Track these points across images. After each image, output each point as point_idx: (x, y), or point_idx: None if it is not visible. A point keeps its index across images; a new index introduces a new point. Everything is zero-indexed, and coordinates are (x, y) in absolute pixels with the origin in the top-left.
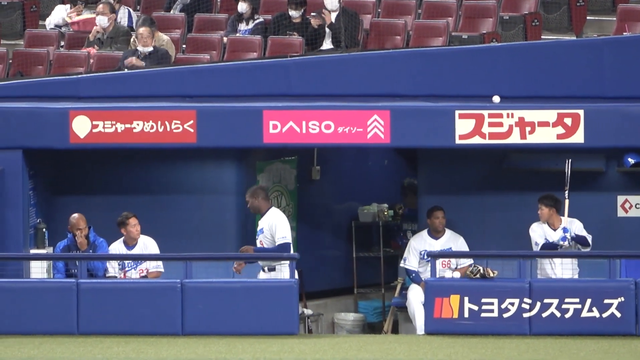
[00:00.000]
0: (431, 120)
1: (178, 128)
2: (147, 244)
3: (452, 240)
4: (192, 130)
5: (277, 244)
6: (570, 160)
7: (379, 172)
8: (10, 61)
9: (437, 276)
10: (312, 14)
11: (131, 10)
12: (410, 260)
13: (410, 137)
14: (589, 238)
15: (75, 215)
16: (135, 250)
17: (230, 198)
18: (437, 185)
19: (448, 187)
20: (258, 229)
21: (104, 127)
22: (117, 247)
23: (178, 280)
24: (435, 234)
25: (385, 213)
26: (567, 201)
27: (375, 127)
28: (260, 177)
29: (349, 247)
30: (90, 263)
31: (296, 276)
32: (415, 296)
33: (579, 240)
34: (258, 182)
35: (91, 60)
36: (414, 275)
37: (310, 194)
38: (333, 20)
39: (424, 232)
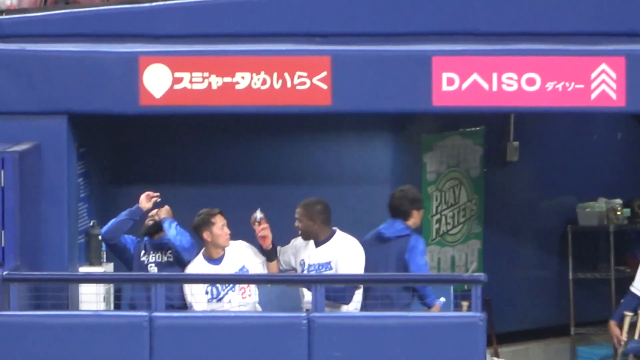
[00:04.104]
0: None
1: (304, 83)
2: (239, 251)
3: None
4: (325, 86)
5: None
6: None
7: (609, 152)
8: None
9: None
10: None
11: None
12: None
13: None
14: None
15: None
16: (225, 264)
17: (384, 189)
18: None
19: None
20: (310, 262)
21: (190, 82)
22: (197, 267)
23: (302, 314)
24: None
25: (618, 213)
26: None
27: (602, 83)
28: (428, 157)
29: (562, 264)
30: (177, 244)
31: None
32: None
33: None
34: (424, 165)
35: None
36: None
37: (504, 184)
38: None
39: None
